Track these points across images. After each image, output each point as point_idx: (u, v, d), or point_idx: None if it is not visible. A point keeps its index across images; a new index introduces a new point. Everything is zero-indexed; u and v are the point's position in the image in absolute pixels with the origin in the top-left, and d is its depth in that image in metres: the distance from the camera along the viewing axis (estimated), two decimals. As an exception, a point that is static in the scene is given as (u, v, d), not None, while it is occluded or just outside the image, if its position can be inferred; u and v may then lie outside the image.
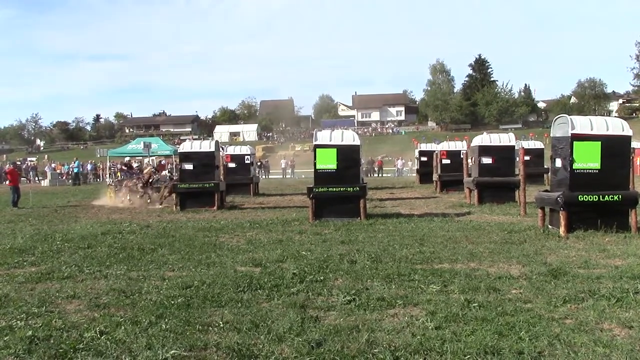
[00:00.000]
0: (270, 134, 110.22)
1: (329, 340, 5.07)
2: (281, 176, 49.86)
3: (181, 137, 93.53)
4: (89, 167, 52.84)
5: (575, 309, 5.96)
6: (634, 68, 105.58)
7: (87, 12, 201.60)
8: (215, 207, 18.49)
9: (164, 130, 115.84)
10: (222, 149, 24.87)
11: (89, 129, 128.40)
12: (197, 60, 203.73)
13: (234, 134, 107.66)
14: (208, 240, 11.45)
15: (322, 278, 7.61)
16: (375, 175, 51.69)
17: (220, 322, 5.66)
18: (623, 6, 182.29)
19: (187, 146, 19.99)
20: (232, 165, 25.77)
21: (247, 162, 26.59)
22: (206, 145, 19.80)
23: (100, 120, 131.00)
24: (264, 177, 45.90)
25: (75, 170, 45.58)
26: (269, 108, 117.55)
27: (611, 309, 5.93)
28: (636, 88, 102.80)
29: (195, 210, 18.05)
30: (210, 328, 5.53)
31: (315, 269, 8.17)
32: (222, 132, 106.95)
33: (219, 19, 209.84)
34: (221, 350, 4.91)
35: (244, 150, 27.39)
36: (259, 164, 45.98)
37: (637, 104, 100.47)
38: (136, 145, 48.53)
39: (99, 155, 72.59)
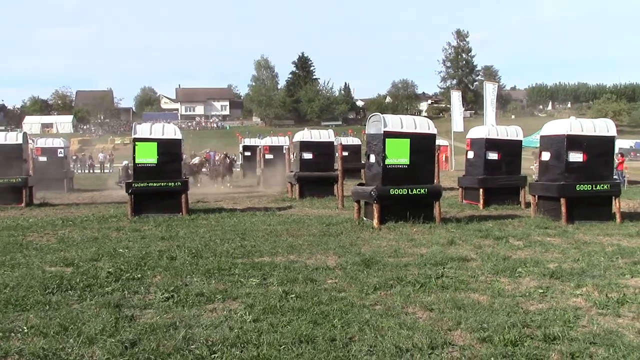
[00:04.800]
0: (88, 126, 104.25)
1: (144, 340, 4.92)
2: (99, 171, 47.32)
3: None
4: None
5: (384, 296, 6.36)
6: (441, 72, 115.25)
7: None
8: (22, 204, 17.12)
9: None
10: (32, 141, 23.12)
11: None
12: (3, 45, 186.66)
13: (46, 126, 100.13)
14: (13, 240, 10.55)
15: (139, 276, 7.37)
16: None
17: (25, 327, 5.25)
18: (434, 14, 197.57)
19: (-11, 138, 18.31)
20: (42, 158, 24.05)
21: (60, 155, 24.93)
22: (12, 137, 18.29)
23: None
24: (79, 171, 43.46)
25: None
26: (86, 99, 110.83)
27: (415, 294, 6.40)
28: (443, 90, 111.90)
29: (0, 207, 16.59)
30: (13, 334, 5.12)
31: (133, 267, 7.89)
32: (32, 123, 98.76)
33: (30, 1, 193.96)
34: (24, 357, 4.57)
35: (57, 142, 25.64)
36: (74, 157, 43.41)
37: (444, 105, 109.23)
38: None
39: None
